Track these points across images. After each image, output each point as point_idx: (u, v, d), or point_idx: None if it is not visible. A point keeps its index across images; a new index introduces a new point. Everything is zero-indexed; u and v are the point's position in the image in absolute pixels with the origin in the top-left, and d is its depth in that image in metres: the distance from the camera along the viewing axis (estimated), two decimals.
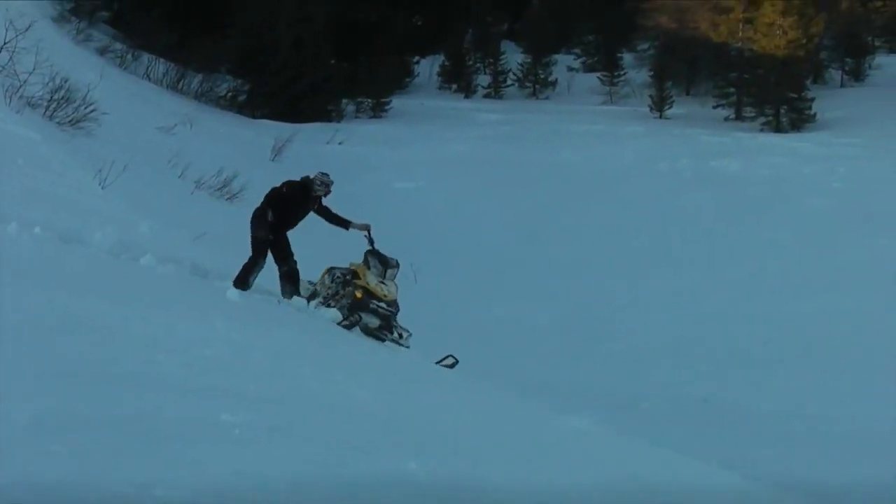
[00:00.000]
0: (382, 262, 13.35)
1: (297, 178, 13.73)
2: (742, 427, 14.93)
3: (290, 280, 13.53)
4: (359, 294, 12.99)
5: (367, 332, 12.89)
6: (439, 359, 13.02)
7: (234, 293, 11.73)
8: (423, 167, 34.37)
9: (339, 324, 12.68)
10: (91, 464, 4.54)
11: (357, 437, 6.32)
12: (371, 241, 13.58)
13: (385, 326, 12.99)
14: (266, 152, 33.15)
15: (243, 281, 13.08)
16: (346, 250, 14.28)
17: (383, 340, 12.80)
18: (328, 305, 13.28)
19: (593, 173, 34.09)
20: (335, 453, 5.70)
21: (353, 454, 5.78)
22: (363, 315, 12.90)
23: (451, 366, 12.90)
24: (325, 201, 13.84)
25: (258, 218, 13.49)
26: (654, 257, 27.16)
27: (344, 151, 35.41)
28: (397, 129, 41.01)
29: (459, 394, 10.65)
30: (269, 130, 36.23)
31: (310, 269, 13.83)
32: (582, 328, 22.06)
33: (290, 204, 13.51)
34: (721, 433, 14.28)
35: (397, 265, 13.52)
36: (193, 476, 4.66)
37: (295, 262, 13.63)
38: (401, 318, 13.23)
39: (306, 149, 33.90)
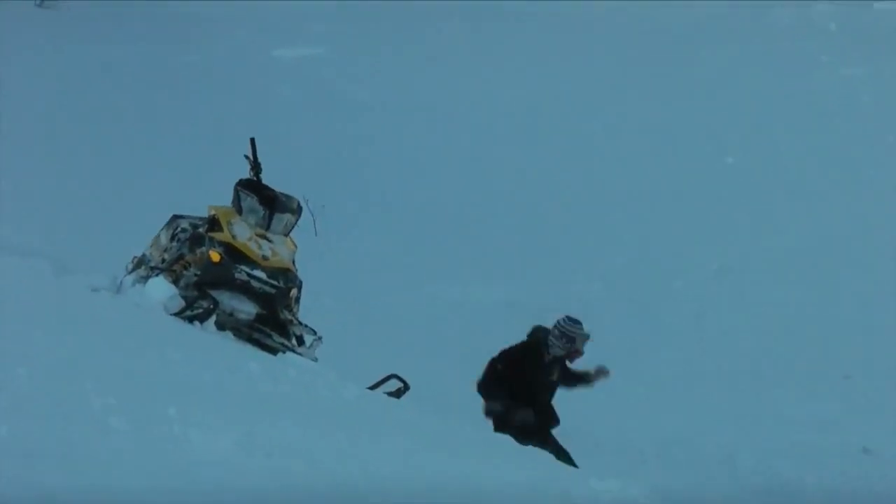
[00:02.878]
0: (266, 202, 13.06)
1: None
2: None
3: None
4: (216, 256, 12.73)
5: (235, 331, 12.64)
6: (375, 382, 13.27)
7: None
8: (325, 17, 34.08)
9: (176, 314, 12.47)
10: None
11: None
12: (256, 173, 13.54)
13: (268, 319, 12.73)
14: None
15: None
16: None
17: (274, 353, 12.56)
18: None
19: None
20: None
21: None
22: (222, 297, 12.58)
23: (397, 393, 13.38)
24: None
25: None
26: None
27: None
28: None
29: (418, 440, 10.61)
30: None
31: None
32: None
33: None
34: None
35: (297, 209, 13.38)
36: None
37: None
38: (304, 308, 12.91)
39: None
